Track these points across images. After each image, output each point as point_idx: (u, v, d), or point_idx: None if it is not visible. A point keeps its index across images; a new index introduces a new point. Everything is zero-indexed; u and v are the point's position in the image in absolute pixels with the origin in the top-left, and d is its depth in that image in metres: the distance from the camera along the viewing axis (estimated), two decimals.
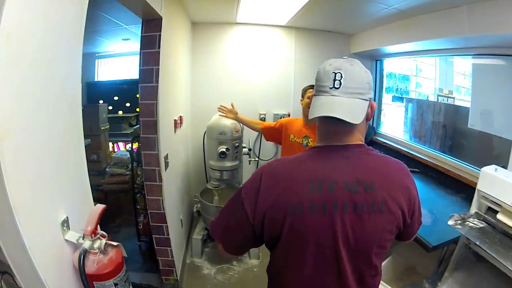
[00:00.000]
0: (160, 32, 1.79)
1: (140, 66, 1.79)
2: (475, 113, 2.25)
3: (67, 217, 0.76)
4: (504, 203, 1.30)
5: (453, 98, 2.65)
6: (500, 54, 1.93)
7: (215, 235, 0.88)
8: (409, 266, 2.07)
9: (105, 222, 3.29)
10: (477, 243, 1.26)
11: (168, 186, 2.01)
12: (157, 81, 1.77)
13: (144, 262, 2.76)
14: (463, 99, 2.55)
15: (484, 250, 1.25)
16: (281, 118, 3.39)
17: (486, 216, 1.42)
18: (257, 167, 3.47)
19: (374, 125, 3.61)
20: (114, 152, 4.52)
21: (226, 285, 2.52)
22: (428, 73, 3.01)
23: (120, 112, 5.05)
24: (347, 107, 0.76)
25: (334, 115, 0.74)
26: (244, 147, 2.83)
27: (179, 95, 2.61)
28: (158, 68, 1.77)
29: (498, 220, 1.34)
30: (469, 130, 2.34)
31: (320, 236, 0.76)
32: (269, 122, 2.83)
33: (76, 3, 0.80)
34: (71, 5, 0.78)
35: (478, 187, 1.43)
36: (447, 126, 2.75)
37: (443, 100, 2.75)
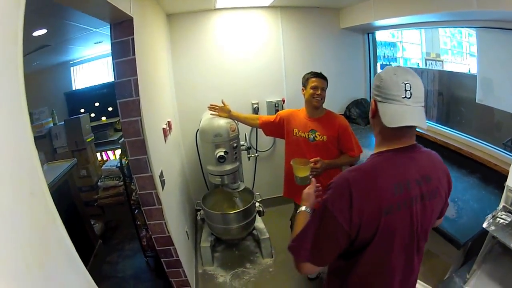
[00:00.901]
0: (133, 35, 1.52)
1: (115, 79, 1.54)
2: (483, 87, 2.07)
3: None
4: None
5: (441, 61, 2.48)
6: (508, 28, 1.74)
7: (303, 257, 0.94)
8: (426, 249, 2.01)
9: (107, 239, 3.08)
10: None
11: (168, 206, 1.82)
12: (137, 94, 1.53)
13: (154, 280, 2.62)
14: (451, 61, 2.38)
15: None
16: (275, 105, 3.20)
17: None
18: (256, 162, 3.29)
19: None
20: (103, 161, 4.29)
21: None
22: (413, 37, 2.80)
23: (104, 118, 4.78)
24: (418, 115, 0.89)
25: (415, 124, 0.89)
26: (242, 145, 2.63)
27: (163, 100, 2.36)
28: (137, 79, 1.52)
29: None
30: (468, 98, 2.20)
31: (404, 227, 0.92)
32: (267, 116, 2.60)
33: None
34: None
35: (508, 183, 1.42)
36: (444, 94, 2.59)
37: (431, 64, 2.58)
